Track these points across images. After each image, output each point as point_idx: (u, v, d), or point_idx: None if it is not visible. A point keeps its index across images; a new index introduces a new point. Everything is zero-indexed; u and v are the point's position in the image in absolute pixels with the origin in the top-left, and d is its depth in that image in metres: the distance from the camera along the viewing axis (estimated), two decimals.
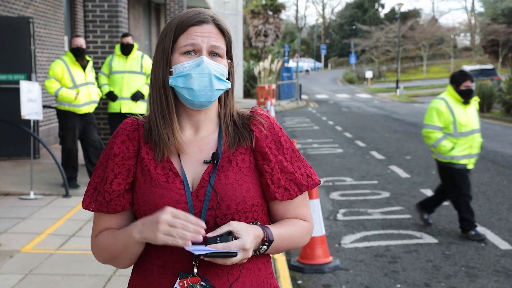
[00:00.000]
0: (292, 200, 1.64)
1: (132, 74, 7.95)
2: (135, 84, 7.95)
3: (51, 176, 7.95)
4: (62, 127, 7.44)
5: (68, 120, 7.39)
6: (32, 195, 6.94)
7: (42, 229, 5.72)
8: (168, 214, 1.45)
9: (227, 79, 1.62)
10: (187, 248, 1.46)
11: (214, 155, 1.58)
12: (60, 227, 5.83)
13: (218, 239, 1.46)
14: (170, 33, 1.59)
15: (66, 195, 7.05)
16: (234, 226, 1.49)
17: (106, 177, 1.61)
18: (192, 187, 1.57)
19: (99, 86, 8.04)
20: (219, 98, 1.65)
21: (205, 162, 1.59)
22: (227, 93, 1.66)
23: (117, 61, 7.99)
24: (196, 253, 1.43)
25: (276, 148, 1.63)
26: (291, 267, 5.16)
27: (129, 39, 7.97)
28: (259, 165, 1.61)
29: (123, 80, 7.92)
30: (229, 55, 1.65)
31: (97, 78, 8.07)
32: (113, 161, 1.61)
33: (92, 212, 6.36)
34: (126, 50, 7.95)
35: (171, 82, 1.57)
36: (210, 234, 1.48)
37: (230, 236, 1.47)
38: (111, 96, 8.00)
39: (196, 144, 1.62)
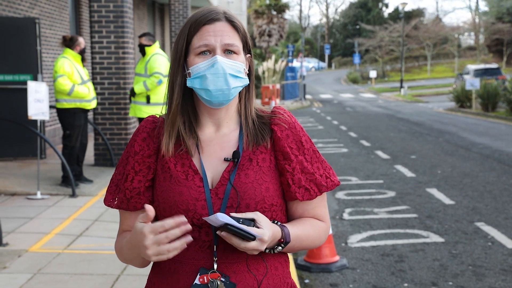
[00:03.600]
0: (311, 200, 1.65)
1: (137, 76, 7.91)
2: (137, 87, 7.77)
3: (58, 176, 7.97)
4: (69, 126, 7.46)
5: (76, 118, 7.45)
6: (39, 195, 6.97)
7: (50, 228, 5.75)
8: (150, 235, 1.42)
9: (247, 74, 1.63)
10: (209, 217, 1.45)
11: (235, 154, 1.58)
12: (67, 226, 5.85)
13: (240, 220, 1.46)
14: (183, 35, 1.60)
15: (73, 195, 7.07)
16: (259, 216, 1.50)
17: (127, 175, 1.62)
18: (212, 185, 1.57)
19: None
20: (240, 94, 1.65)
21: (225, 160, 1.59)
22: (248, 90, 1.66)
23: (138, 63, 7.95)
24: (220, 219, 1.42)
25: (297, 148, 1.63)
26: (298, 266, 5.16)
27: (141, 40, 7.86)
28: (280, 164, 1.61)
29: (133, 82, 7.92)
30: (247, 49, 1.64)
31: None
32: (134, 158, 1.62)
33: (100, 212, 6.35)
34: (140, 51, 7.89)
35: (189, 83, 1.58)
36: (234, 214, 1.48)
37: (252, 222, 1.48)
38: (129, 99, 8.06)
39: (217, 141, 1.62)
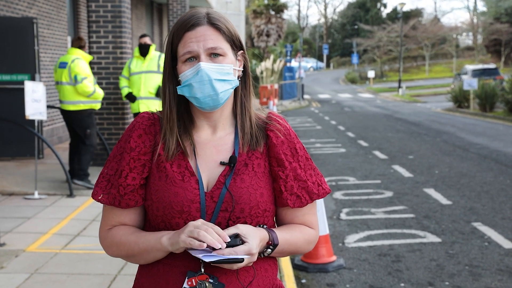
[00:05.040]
0: (301, 208, 1.66)
1: (149, 74, 8.08)
2: (152, 83, 8.09)
3: (55, 176, 7.97)
4: (87, 126, 7.46)
5: (91, 117, 7.58)
6: (36, 195, 6.97)
7: (47, 228, 5.75)
8: (199, 221, 1.48)
9: (242, 71, 1.63)
10: (194, 254, 1.47)
11: (232, 158, 1.58)
12: (64, 226, 5.85)
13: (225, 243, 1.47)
14: (169, 44, 1.61)
15: (70, 194, 7.07)
16: (241, 229, 1.50)
17: (121, 171, 1.59)
18: (207, 188, 1.58)
19: (119, 88, 8.34)
20: (235, 94, 1.64)
21: (221, 163, 1.59)
22: (244, 88, 1.65)
23: (135, 63, 8.18)
24: (205, 259, 1.44)
25: (291, 155, 1.64)
26: (295, 266, 5.17)
27: (146, 40, 8.14)
28: (273, 171, 1.62)
29: (140, 80, 8.11)
30: (237, 47, 1.62)
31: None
32: (129, 155, 1.60)
33: (97, 212, 6.32)
34: (144, 50, 8.11)
35: (179, 91, 1.59)
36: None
37: (237, 239, 1.48)
38: (130, 97, 8.20)
39: (213, 144, 1.62)
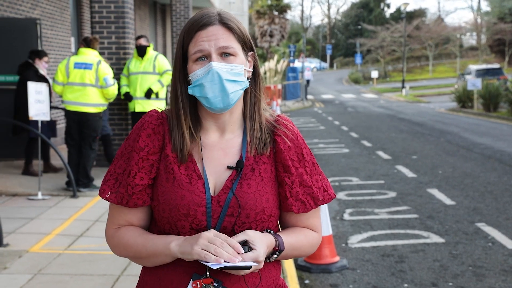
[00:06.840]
0: (306, 213, 1.66)
1: (145, 74, 8.34)
2: (147, 84, 8.34)
3: (59, 177, 7.98)
4: (98, 128, 7.43)
5: (101, 120, 7.58)
6: (40, 196, 6.98)
7: (50, 229, 5.75)
8: (211, 232, 1.48)
9: (252, 72, 1.62)
10: (203, 262, 1.47)
11: (239, 163, 1.58)
12: (68, 227, 5.86)
13: None
14: (180, 43, 1.60)
15: (74, 195, 7.08)
16: (250, 235, 1.50)
17: (130, 170, 1.58)
18: (214, 192, 1.57)
19: (120, 87, 8.46)
20: (245, 96, 1.63)
21: (228, 167, 1.58)
22: (254, 90, 1.64)
23: (133, 63, 8.42)
24: (213, 267, 1.44)
25: (298, 160, 1.63)
26: (298, 267, 5.16)
27: (141, 41, 8.33)
28: (279, 176, 1.61)
29: (137, 80, 8.38)
30: (248, 47, 1.61)
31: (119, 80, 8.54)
32: (138, 154, 1.58)
33: (101, 213, 6.30)
34: (140, 51, 8.33)
35: (190, 91, 1.57)
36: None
37: (246, 245, 1.49)
38: (127, 97, 8.45)
39: (221, 147, 1.61)
